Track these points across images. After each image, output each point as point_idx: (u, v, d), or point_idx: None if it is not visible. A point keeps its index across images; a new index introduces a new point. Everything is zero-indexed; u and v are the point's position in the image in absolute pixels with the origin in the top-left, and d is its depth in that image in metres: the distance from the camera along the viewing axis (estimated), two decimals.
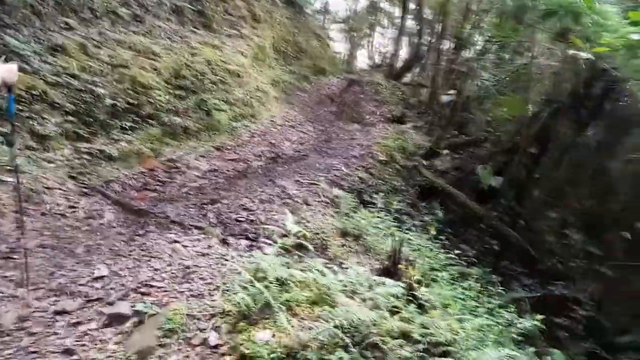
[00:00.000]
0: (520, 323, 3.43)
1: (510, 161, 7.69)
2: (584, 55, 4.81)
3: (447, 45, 15.22)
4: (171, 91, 7.48)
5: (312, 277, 2.71)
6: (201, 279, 3.10)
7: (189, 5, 10.66)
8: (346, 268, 3.25)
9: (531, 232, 6.96)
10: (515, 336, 3.39)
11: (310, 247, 3.67)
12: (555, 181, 7.38)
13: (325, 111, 12.23)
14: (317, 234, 4.19)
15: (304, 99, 13.63)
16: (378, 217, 4.99)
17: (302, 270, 2.84)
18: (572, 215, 7.11)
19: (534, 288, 6.38)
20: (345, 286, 2.80)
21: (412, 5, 19.42)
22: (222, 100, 8.40)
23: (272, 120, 9.60)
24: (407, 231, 4.97)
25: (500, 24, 6.40)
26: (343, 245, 4.13)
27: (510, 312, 3.74)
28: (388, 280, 3.07)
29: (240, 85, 9.30)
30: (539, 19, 5.51)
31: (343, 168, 6.45)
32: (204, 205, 4.88)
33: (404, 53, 26.43)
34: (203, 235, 4.04)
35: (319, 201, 5.11)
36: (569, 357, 4.44)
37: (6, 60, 2.71)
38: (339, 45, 30.90)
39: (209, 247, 3.79)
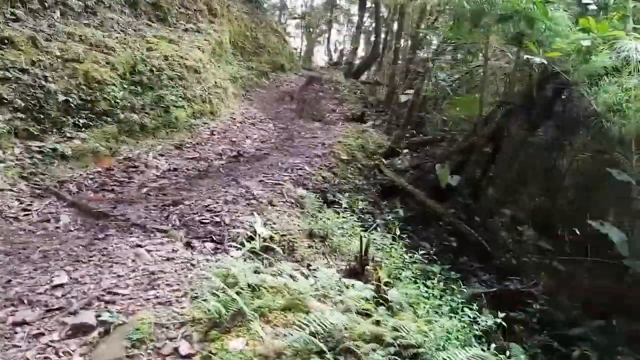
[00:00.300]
0: (483, 321, 3.54)
1: (466, 160, 7.94)
2: (537, 59, 5.02)
3: (403, 44, 15.52)
4: (127, 87, 7.24)
5: (284, 282, 2.70)
6: (168, 285, 3.02)
7: None
8: (315, 270, 3.25)
9: (487, 229, 7.22)
10: (477, 333, 3.50)
11: (279, 249, 3.65)
12: (508, 179, 7.69)
13: (285, 108, 12.18)
14: (284, 235, 4.16)
15: (263, 95, 13.53)
16: (343, 217, 5.01)
17: (272, 275, 2.82)
18: (525, 212, 7.43)
19: (491, 283, 6.63)
20: (317, 290, 2.81)
21: (369, 4, 19.65)
22: (180, 97, 8.20)
23: (232, 118, 9.47)
24: (372, 231, 5.03)
25: (456, 26, 6.56)
26: (310, 247, 4.13)
27: (472, 309, 3.86)
28: (357, 283, 3.11)
29: (198, 81, 9.10)
30: (494, 23, 5.70)
31: (306, 167, 6.45)
32: (166, 207, 4.75)
33: (360, 51, 26.78)
34: (167, 239, 3.93)
35: (284, 202, 5.09)
36: (525, 350, 4.64)
37: None
38: (296, 41, 30.89)
39: (174, 251, 3.70)
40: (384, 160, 7.86)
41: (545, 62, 5.06)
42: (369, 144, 8.61)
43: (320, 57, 32.23)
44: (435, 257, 5.88)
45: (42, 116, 5.85)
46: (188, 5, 11.99)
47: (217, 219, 4.52)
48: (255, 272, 2.87)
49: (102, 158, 6.05)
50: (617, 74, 4.93)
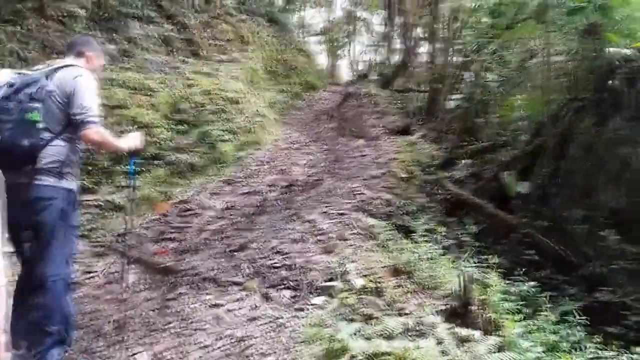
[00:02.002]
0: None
1: (532, 164, 7.39)
2: (625, 50, 4.52)
3: (435, 47, 15.01)
4: (172, 127, 7.10)
5: (402, 347, 2.31)
6: (262, 354, 2.68)
7: (176, 35, 10.31)
8: (430, 327, 2.81)
9: (566, 238, 6.61)
10: None
11: (378, 300, 3.24)
12: (581, 181, 7.07)
13: (325, 128, 11.87)
14: (367, 275, 3.78)
15: (299, 117, 13.29)
16: (419, 244, 4.59)
17: (383, 336, 2.44)
18: (604, 214, 6.79)
19: (580, 296, 6.02)
20: (443, 352, 2.40)
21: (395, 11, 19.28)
22: (225, 130, 8.01)
23: (276, 145, 9.22)
24: (458, 259, 4.58)
25: (515, 24, 6.12)
26: (398, 286, 3.72)
27: (594, 343, 3.37)
28: (475, 333, 2.68)
29: (240, 112, 8.92)
30: (562, 16, 5.23)
31: (366, 191, 6.06)
32: (233, 253, 4.45)
33: (387, 59, 26.34)
34: (244, 292, 3.61)
35: (354, 234, 4.71)
36: None
37: None
38: (319, 58, 30.77)
39: (255, 307, 3.37)
40: (444, 173, 7.39)
41: (638, 52, 4.54)
42: (423, 157, 8.16)
43: (345, 71, 31.99)
44: (520, 275, 5.36)
45: (92, 168, 5.73)
46: (219, 37, 11.97)
47: (289, 262, 4.19)
48: (361, 334, 2.49)
49: (156, 204, 5.85)
50: None
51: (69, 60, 2.73)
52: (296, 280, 3.92)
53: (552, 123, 6.80)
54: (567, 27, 5.37)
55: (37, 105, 2.45)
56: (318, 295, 3.75)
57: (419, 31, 21.70)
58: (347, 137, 10.57)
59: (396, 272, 3.95)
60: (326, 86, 18.77)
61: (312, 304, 3.60)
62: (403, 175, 6.81)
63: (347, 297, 3.11)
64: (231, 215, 5.80)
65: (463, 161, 8.02)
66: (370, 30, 31.77)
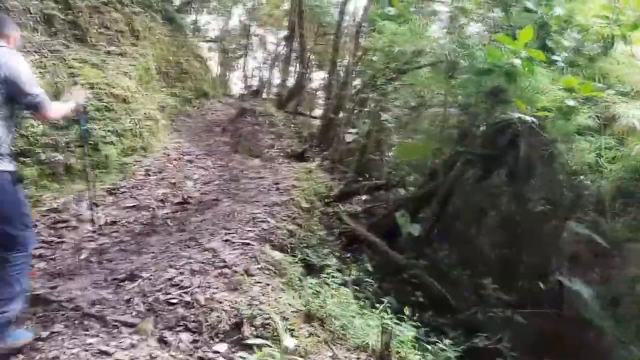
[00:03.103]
0: None
1: (422, 207, 7.75)
2: (527, 117, 4.91)
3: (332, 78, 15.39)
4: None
5: None
6: None
7: (58, 14, 9.05)
8: None
9: (449, 281, 6.99)
10: None
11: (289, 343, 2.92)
12: (464, 229, 7.60)
13: (217, 141, 11.33)
14: (277, 322, 3.45)
15: (189, 125, 12.55)
16: (327, 285, 4.40)
17: None
18: (486, 262, 7.35)
19: (459, 341, 6.33)
20: None
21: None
22: (110, 131, 7.11)
23: (166, 154, 8.47)
24: (364, 302, 4.47)
25: (433, 74, 6.42)
26: (310, 335, 3.46)
27: None
28: None
29: (128, 112, 8.01)
30: (470, 75, 5.57)
31: (269, 219, 5.74)
32: (120, 283, 3.80)
33: (278, 80, 26.50)
34: (136, 336, 3.04)
35: (260, 269, 4.35)
36: None
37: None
38: (212, 66, 29.80)
39: (152, 357, 2.84)
40: (341, 206, 7.39)
41: (535, 120, 4.96)
42: (321, 187, 8.10)
43: (235, 84, 31.44)
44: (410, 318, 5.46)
45: None
46: (109, 25, 10.75)
47: (188, 298, 3.68)
48: None
49: None
50: (596, 134, 4.97)
51: None
52: (196, 321, 3.45)
53: (443, 171, 7.20)
54: (470, 85, 5.74)
55: None
56: (221, 341, 3.34)
57: (312, 57, 22.27)
58: (242, 155, 10.18)
59: (308, 318, 3.69)
60: (218, 96, 18.14)
61: (214, 352, 3.18)
62: (304, 205, 6.62)
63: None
64: (115, 232, 5.06)
65: (358, 196, 8.12)
66: (265, 47, 31.83)
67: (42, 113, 2.73)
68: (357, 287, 5.51)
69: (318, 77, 25.64)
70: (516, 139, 7.27)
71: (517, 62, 4.81)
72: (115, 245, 4.71)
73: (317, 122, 21.93)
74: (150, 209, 5.91)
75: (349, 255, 6.44)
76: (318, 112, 25.14)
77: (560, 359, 6.61)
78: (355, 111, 11.74)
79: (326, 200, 7.70)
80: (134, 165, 7.14)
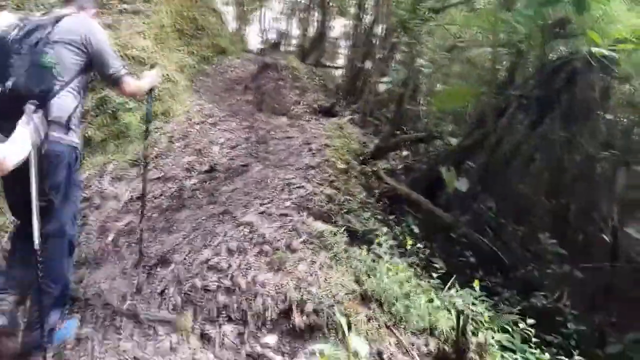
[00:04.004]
0: None
1: (465, 159, 7.14)
2: (602, 51, 4.18)
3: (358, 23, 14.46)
4: None
5: None
6: None
7: None
8: None
9: (502, 238, 6.47)
10: None
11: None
12: (516, 181, 6.99)
13: (240, 100, 10.78)
14: (331, 306, 3.02)
15: (209, 85, 11.96)
16: (378, 257, 3.95)
17: None
18: (539, 215, 6.78)
19: (514, 301, 5.89)
20: None
21: None
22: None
23: (188, 117, 7.97)
24: (418, 269, 4.02)
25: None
26: (370, 320, 3.03)
27: None
28: None
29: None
30: (533, 7, 4.79)
31: (304, 184, 5.26)
32: (153, 270, 3.42)
33: (297, 31, 25.37)
34: (175, 336, 2.66)
35: (304, 243, 3.91)
36: None
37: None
38: (227, 21, 28.67)
39: None
40: (379, 164, 6.84)
41: (609, 53, 4.23)
42: (355, 144, 7.55)
43: (253, 38, 30.38)
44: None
45: None
46: None
47: (228, 282, 3.29)
48: None
49: None
50: None
51: (71, 11, 2.60)
52: (240, 310, 3.06)
53: (492, 117, 6.51)
54: (527, 19, 4.97)
55: (51, 50, 2.36)
56: (270, 332, 2.95)
57: (332, 3, 21.03)
58: (267, 114, 9.63)
59: (364, 299, 3.26)
60: (237, 52, 17.38)
61: (264, 345, 2.79)
62: (340, 166, 6.10)
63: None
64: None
65: (396, 152, 7.53)
66: None
67: (123, 87, 2.67)
68: (404, 251, 5.03)
69: (338, 25, 24.46)
70: (573, 79, 6.51)
71: None
72: (142, 223, 4.31)
73: (340, 73, 21.16)
74: (177, 180, 5.50)
75: (392, 217, 5.94)
76: (340, 61, 24.21)
77: (621, 316, 6.17)
78: (386, 58, 10.90)
79: (361, 158, 7.15)
80: (156, 132, 6.69)
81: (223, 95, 11.14)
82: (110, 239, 4.00)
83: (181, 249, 3.76)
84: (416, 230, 5.74)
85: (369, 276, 3.48)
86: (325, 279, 3.35)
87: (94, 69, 2.61)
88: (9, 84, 2.22)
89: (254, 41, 28.43)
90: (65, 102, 2.42)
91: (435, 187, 7.24)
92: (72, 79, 2.46)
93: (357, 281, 3.45)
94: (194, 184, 5.48)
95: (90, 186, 4.85)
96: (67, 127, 2.44)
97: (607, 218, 7.00)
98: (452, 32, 9.20)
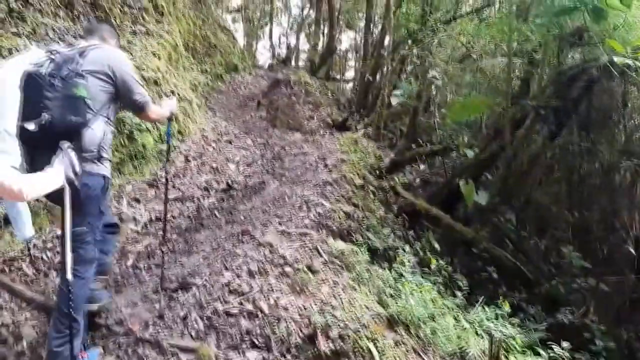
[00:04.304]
0: None
1: (485, 172, 7.05)
2: (627, 60, 4.10)
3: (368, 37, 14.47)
4: None
5: None
6: None
7: None
8: None
9: (524, 252, 6.34)
10: None
11: None
12: (537, 193, 6.86)
13: (254, 117, 10.82)
14: (357, 330, 2.95)
15: (223, 102, 12.06)
16: (402, 277, 3.87)
17: None
18: (561, 227, 6.64)
19: (540, 317, 5.74)
20: None
21: None
22: None
23: (204, 136, 8.01)
24: (443, 288, 3.93)
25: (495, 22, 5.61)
26: (397, 344, 2.95)
27: None
28: None
29: (159, 95, 7.55)
30: (550, 16, 4.74)
31: (322, 201, 5.21)
32: (174, 294, 3.38)
33: (306, 46, 25.52)
34: None
35: (324, 263, 3.85)
36: None
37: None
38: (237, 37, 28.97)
39: None
40: (396, 178, 6.77)
41: (632, 62, 4.14)
42: (369, 158, 7.49)
43: (262, 53, 30.66)
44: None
45: None
46: (131, 4, 10.25)
47: (250, 306, 3.23)
48: None
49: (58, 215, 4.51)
50: None
51: (94, 42, 2.68)
52: (263, 335, 2.99)
53: (510, 129, 6.42)
54: (544, 29, 4.90)
55: (82, 81, 2.42)
56: (295, 359, 2.88)
57: (340, 17, 21.15)
58: (281, 129, 9.65)
59: (390, 323, 3.17)
60: (248, 68, 17.54)
61: None
62: (358, 182, 6.04)
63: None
64: (161, 230, 4.64)
65: (411, 165, 7.46)
66: (290, 12, 30.76)
67: (146, 113, 2.78)
68: (427, 269, 4.93)
69: (347, 38, 24.58)
70: (590, 87, 6.42)
71: None
72: (162, 245, 4.29)
73: (351, 86, 21.21)
74: (195, 199, 5.48)
75: (411, 232, 5.86)
76: (349, 74, 24.28)
77: None
78: (397, 71, 10.89)
79: (377, 172, 7.09)
80: (173, 151, 6.70)
81: (237, 112, 11.21)
82: (130, 262, 3.97)
83: (202, 271, 3.72)
84: (437, 246, 5.64)
85: (393, 297, 3.41)
86: (350, 301, 3.28)
87: (120, 98, 2.65)
88: (46, 116, 2.27)
89: (264, 57, 28.76)
90: (96, 132, 2.47)
91: (453, 200, 7.16)
92: (102, 109, 2.52)
93: (382, 303, 3.38)
94: (212, 203, 5.47)
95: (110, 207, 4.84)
96: (98, 157, 2.52)
97: (629, 228, 6.85)
98: (463, 42, 9.15)
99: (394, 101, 8.95)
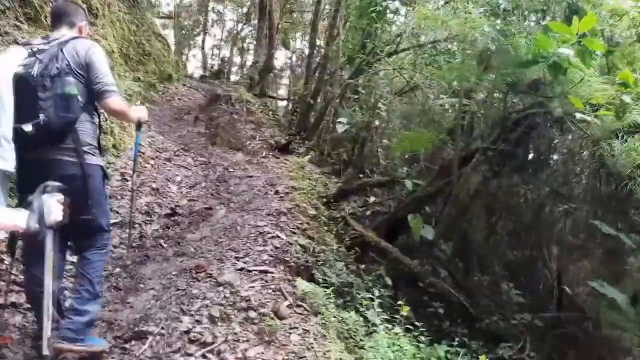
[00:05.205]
0: None
1: (422, 207, 7.20)
2: (587, 117, 4.34)
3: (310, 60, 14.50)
4: None
5: None
6: None
7: None
8: None
9: (466, 288, 6.49)
10: None
11: None
12: (479, 230, 7.10)
13: (191, 132, 10.33)
14: None
15: (156, 113, 11.39)
16: (369, 321, 3.73)
17: None
18: (503, 265, 6.90)
19: (481, 352, 5.86)
20: None
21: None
22: None
23: (140, 151, 7.43)
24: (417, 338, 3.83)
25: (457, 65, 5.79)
26: None
27: None
28: None
29: None
30: (510, 67, 4.94)
31: (279, 234, 4.97)
32: (127, 346, 2.96)
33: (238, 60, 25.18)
34: None
35: (290, 307, 3.61)
36: None
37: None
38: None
39: None
40: (345, 209, 6.70)
41: (588, 117, 4.40)
42: (318, 185, 7.37)
43: (194, 64, 29.84)
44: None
45: None
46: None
47: (215, 359, 2.92)
48: None
49: None
50: None
51: (65, 31, 2.70)
52: None
53: (457, 166, 6.62)
54: (501, 78, 5.13)
55: (71, 78, 2.47)
56: None
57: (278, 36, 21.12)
58: (222, 148, 9.27)
59: None
60: (182, 79, 16.88)
61: None
62: (311, 212, 5.88)
63: None
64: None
65: (356, 195, 7.44)
66: (224, 24, 30.28)
67: (107, 102, 2.65)
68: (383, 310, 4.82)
69: (281, 56, 24.54)
70: (529, 133, 6.83)
71: (569, 52, 4.20)
72: (105, 281, 3.81)
73: (283, 104, 21.11)
74: (137, 225, 5.00)
75: (363, 266, 5.77)
76: (281, 92, 24.22)
77: None
78: (340, 97, 10.94)
79: (324, 200, 6.98)
80: (108, 168, 6.12)
81: (172, 126, 10.64)
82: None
83: (155, 315, 3.33)
84: (389, 282, 5.59)
85: (368, 350, 3.25)
86: (324, 354, 3.07)
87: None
88: (42, 117, 2.36)
89: (194, 67, 27.95)
90: (86, 126, 2.59)
91: (396, 233, 7.23)
92: (88, 102, 2.60)
93: (358, 356, 3.21)
94: (156, 231, 5.03)
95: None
96: (93, 148, 2.64)
97: (552, 263, 7.30)
98: (405, 77, 9.41)
99: (340, 129, 8.94)
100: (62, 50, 2.49)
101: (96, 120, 2.71)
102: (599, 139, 4.58)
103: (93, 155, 2.64)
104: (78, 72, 2.52)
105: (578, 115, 4.37)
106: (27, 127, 2.31)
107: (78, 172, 2.54)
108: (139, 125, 3.07)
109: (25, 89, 2.34)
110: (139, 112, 3.01)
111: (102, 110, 2.88)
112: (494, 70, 5.18)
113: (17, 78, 2.33)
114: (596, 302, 6.55)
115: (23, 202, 2.23)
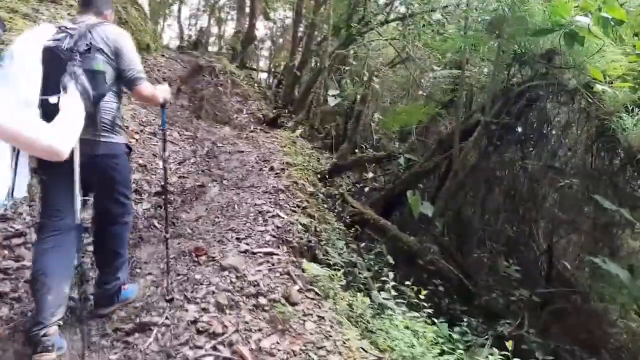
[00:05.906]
0: None
1: (419, 181, 7.02)
2: (605, 87, 4.15)
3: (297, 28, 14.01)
4: None
5: None
6: None
7: None
8: None
9: (466, 265, 6.40)
10: None
11: None
12: (477, 205, 6.98)
13: (174, 105, 9.82)
14: None
15: None
16: (388, 307, 3.55)
17: None
18: (503, 240, 6.81)
19: (482, 329, 5.81)
20: None
21: None
22: None
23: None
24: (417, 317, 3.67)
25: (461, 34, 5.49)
26: None
27: None
28: None
29: None
30: (523, 35, 4.69)
31: (279, 212, 4.71)
32: (129, 339, 2.70)
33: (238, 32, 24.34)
34: None
35: (300, 291, 3.39)
36: None
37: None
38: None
39: None
40: (342, 185, 6.47)
41: (605, 88, 4.22)
42: (313, 161, 7.11)
43: (169, 35, 28.70)
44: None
45: None
46: None
47: (227, 353, 2.69)
48: None
49: None
50: None
51: (92, 17, 2.73)
52: None
53: (461, 140, 6.43)
54: (521, 47, 4.89)
55: (100, 56, 2.54)
56: None
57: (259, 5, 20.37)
58: (207, 122, 8.88)
59: None
60: (161, 49, 16.15)
61: None
62: (310, 190, 5.63)
63: None
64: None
65: (352, 172, 7.21)
66: None
67: (139, 89, 2.74)
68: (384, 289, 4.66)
69: (261, 27, 23.73)
70: (530, 105, 6.66)
71: (587, 20, 3.97)
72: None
73: (265, 76, 20.52)
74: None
75: (363, 245, 5.59)
76: (261, 64, 23.52)
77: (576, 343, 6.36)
78: (331, 70, 10.57)
79: (319, 176, 6.73)
80: None
81: None
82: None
83: (157, 303, 3.07)
84: (391, 260, 5.43)
85: (386, 339, 3.06)
86: (343, 342, 2.88)
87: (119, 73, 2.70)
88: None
89: (170, 38, 26.90)
90: (109, 105, 2.62)
91: (392, 209, 7.06)
92: (112, 83, 2.64)
93: (373, 342, 3.02)
94: (148, 210, 4.70)
95: (22, 214, 3.90)
96: (114, 128, 2.68)
97: (543, 238, 7.27)
98: (396, 48, 9.11)
99: (332, 102, 8.63)
100: (90, 32, 2.55)
101: (119, 101, 2.77)
102: (611, 112, 4.41)
103: (115, 133, 2.70)
104: (106, 54, 2.57)
105: (598, 87, 4.18)
106: (53, 99, 2.31)
107: (105, 151, 2.62)
108: (163, 105, 3.10)
109: (54, 61, 2.37)
110: (163, 92, 3.05)
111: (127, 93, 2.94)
112: (503, 39, 4.91)
113: (47, 50, 2.38)
114: (585, 277, 6.55)
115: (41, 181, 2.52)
